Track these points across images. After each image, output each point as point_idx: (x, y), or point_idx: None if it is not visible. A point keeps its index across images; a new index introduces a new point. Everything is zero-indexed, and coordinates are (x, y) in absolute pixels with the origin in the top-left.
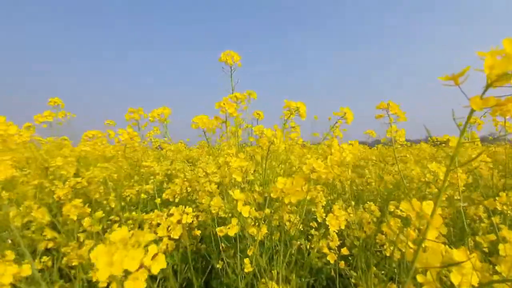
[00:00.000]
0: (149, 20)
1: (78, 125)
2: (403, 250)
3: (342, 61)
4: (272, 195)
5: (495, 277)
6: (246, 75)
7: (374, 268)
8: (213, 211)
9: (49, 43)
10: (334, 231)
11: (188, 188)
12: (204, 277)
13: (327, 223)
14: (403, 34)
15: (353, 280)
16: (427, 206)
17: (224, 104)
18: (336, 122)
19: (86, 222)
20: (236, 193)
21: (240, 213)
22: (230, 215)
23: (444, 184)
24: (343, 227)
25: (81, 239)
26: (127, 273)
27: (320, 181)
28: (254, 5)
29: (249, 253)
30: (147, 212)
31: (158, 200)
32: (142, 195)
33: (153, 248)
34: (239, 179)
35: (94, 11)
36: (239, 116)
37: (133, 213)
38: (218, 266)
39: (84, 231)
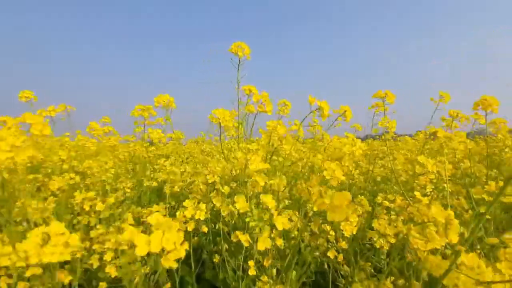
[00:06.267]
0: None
1: (76, 119)
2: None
3: (339, 55)
4: (314, 208)
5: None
6: (251, 69)
7: (362, 262)
8: (241, 211)
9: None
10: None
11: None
12: (197, 270)
13: (341, 227)
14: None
15: (341, 272)
16: (440, 212)
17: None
18: (336, 119)
19: (99, 206)
20: (269, 199)
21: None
22: (237, 214)
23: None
24: (355, 232)
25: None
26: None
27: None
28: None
29: (267, 264)
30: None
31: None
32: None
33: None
34: (262, 183)
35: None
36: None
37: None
38: (215, 260)
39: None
